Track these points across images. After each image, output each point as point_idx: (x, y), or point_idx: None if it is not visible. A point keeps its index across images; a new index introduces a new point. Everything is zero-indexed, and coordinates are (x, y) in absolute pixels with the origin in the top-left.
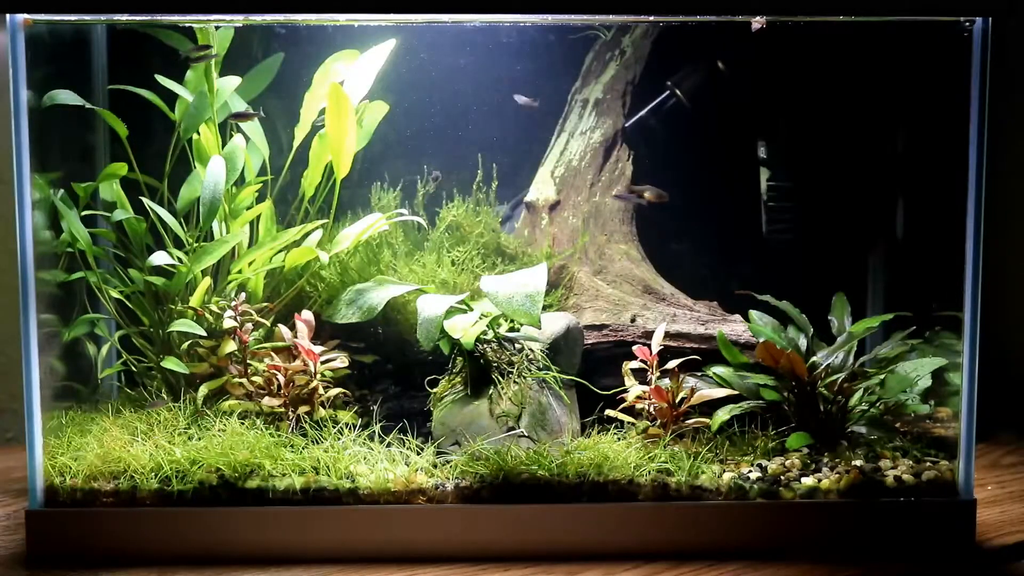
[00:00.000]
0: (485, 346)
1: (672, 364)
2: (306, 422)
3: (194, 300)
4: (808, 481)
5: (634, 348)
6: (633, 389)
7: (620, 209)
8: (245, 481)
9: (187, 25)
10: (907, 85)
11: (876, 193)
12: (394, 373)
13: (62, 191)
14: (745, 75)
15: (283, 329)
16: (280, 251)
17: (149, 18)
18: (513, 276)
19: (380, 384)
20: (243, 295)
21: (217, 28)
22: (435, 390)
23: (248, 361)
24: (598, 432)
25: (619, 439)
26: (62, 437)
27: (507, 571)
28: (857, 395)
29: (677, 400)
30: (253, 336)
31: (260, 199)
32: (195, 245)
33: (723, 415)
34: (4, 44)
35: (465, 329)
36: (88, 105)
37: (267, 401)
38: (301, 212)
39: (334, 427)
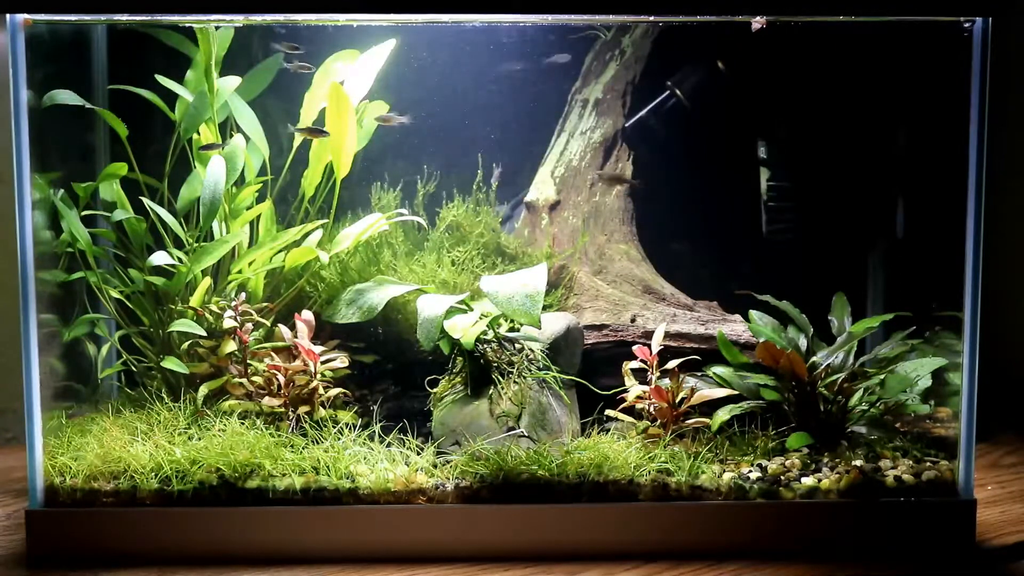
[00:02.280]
0: (485, 346)
1: (672, 364)
2: (306, 422)
3: (194, 300)
4: (808, 481)
5: (634, 348)
6: (633, 389)
7: (620, 209)
8: (245, 481)
9: (187, 25)
10: (907, 85)
11: (876, 193)
12: (394, 373)
13: (62, 191)
14: (745, 75)
15: (283, 329)
16: (280, 251)
17: (149, 18)
18: (513, 276)
19: (380, 384)
20: (243, 295)
21: (217, 28)
22: (435, 390)
23: (248, 361)
24: (598, 432)
25: (619, 439)
26: (62, 437)
27: (507, 571)
28: (857, 395)
29: (677, 400)
30: (253, 336)
31: (260, 199)
32: (195, 245)
33: (723, 415)
34: (4, 44)
35: (465, 329)
36: (88, 105)
37: (267, 401)
38: (301, 212)
39: (334, 427)
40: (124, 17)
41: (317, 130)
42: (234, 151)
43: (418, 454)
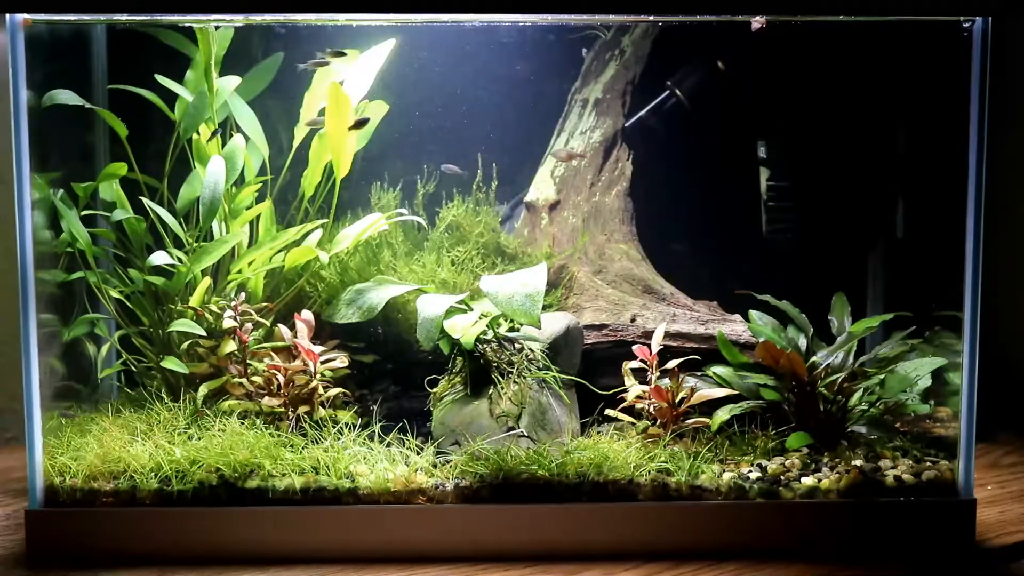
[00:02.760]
0: (485, 346)
1: (672, 364)
2: (306, 422)
3: (194, 300)
4: (808, 481)
5: (634, 348)
6: (633, 389)
7: (620, 209)
8: (245, 481)
9: (187, 25)
10: (907, 85)
11: (876, 193)
12: (394, 373)
13: (62, 191)
14: (745, 75)
15: (283, 329)
16: (280, 251)
17: (149, 18)
18: (513, 276)
19: (380, 384)
20: (243, 295)
21: (217, 28)
22: (435, 390)
23: (248, 361)
24: (598, 432)
25: (619, 439)
26: (62, 437)
27: (507, 571)
28: (857, 395)
29: (677, 400)
30: (253, 336)
31: (260, 199)
32: (195, 245)
33: (723, 415)
34: (4, 44)
35: (465, 329)
36: (88, 105)
37: (267, 401)
38: (301, 212)
39: (334, 427)
40: (124, 17)
41: (360, 121)
42: (234, 151)
43: (418, 454)
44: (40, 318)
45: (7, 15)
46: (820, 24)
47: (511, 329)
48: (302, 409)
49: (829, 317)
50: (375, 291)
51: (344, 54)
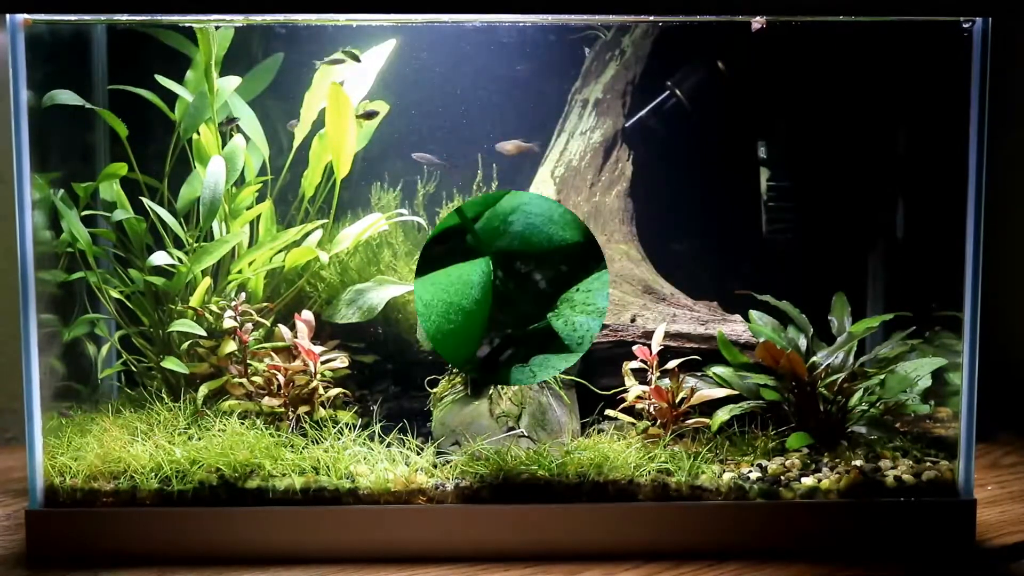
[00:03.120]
0: None
1: (672, 364)
2: (306, 422)
3: (194, 300)
4: (808, 481)
5: (634, 348)
6: (633, 389)
7: (620, 209)
8: (245, 481)
9: (187, 25)
10: (907, 85)
11: (876, 193)
12: (394, 373)
13: (62, 191)
14: (745, 75)
15: (283, 329)
16: (280, 251)
17: (149, 18)
18: None
19: (380, 384)
20: (243, 295)
21: (217, 28)
22: (435, 390)
23: (248, 361)
24: (598, 432)
25: (619, 439)
26: (62, 437)
27: (507, 571)
28: (857, 395)
29: (677, 400)
30: (253, 336)
31: (260, 199)
32: (195, 245)
33: (723, 415)
34: (4, 44)
35: None
36: (88, 105)
37: (267, 401)
38: (301, 212)
39: (334, 427)
40: (124, 17)
41: (368, 113)
42: (234, 151)
43: (418, 454)
44: (40, 318)
45: (7, 15)
46: (820, 24)
47: None
48: (302, 409)
49: (829, 317)
50: (375, 291)
51: (357, 56)
